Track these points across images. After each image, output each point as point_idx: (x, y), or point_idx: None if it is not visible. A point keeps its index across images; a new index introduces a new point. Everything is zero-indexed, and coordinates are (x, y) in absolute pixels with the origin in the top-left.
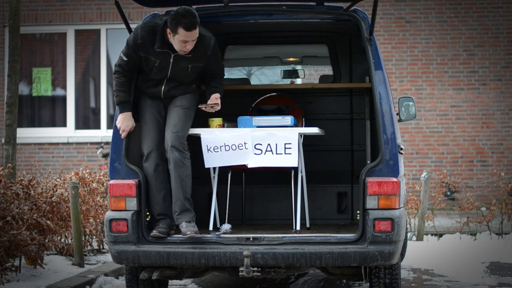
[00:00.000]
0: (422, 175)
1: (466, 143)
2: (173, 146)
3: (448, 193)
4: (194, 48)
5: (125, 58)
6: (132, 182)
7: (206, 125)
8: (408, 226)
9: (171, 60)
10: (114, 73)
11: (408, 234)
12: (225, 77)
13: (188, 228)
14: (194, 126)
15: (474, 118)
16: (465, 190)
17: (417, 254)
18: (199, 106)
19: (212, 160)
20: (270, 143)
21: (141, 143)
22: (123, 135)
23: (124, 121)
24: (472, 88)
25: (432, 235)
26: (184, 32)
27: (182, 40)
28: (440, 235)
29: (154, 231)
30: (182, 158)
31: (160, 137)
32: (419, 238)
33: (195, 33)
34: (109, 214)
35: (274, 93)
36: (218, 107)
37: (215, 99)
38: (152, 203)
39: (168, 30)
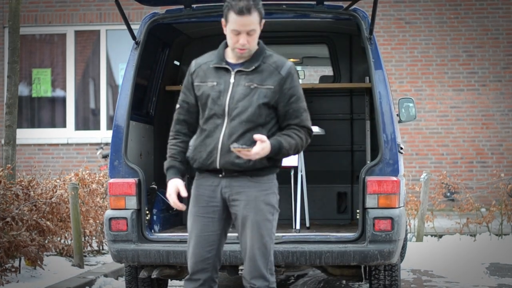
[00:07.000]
0: (422, 176)
1: (465, 144)
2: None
3: (448, 194)
4: (262, 62)
5: (177, 106)
6: (131, 180)
7: None
8: (407, 227)
9: (232, 79)
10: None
11: (408, 235)
12: None
13: None
14: None
15: (474, 119)
16: (464, 191)
17: (416, 255)
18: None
19: None
20: None
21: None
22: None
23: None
24: (472, 89)
25: (431, 236)
26: (235, 17)
27: (233, 30)
28: (440, 236)
29: None
30: None
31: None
32: (419, 239)
33: (250, 21)
34: (109, 212)
35: None
36: (250, 155)
37: (257, 141)
38: None
39: (223, 21)
